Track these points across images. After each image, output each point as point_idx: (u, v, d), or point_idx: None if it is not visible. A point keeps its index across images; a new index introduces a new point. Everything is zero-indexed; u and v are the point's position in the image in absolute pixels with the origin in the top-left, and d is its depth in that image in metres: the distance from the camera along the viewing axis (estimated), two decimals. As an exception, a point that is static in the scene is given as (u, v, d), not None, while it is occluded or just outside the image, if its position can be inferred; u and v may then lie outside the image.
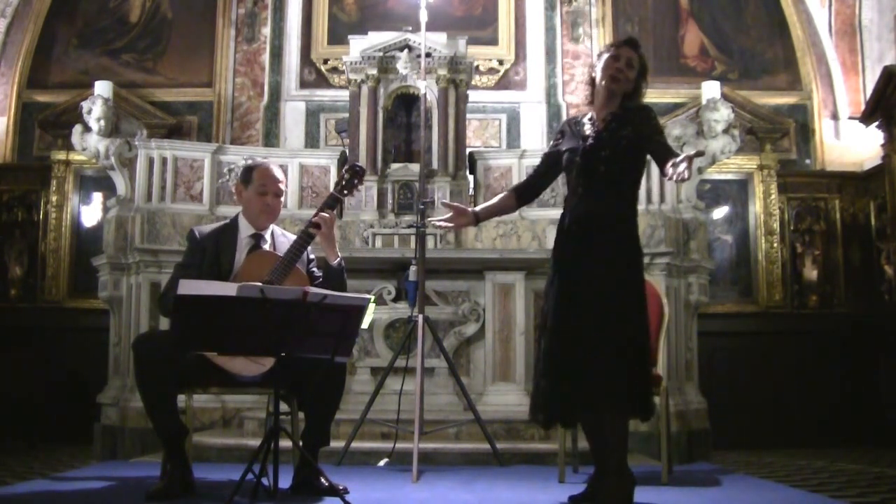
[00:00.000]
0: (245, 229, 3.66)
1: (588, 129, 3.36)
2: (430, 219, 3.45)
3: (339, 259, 3.62)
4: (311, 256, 3.73)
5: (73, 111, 6.80)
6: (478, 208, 3.54)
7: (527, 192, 3.58)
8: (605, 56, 3.35)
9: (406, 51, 6.19)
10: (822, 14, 7.90)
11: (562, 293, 3.21)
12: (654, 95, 6.56)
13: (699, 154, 3.00)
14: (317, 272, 3.73)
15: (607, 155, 3.27)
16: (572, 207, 3.34)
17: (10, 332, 7.28)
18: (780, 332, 7.49)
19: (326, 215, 3.55)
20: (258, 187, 3.64)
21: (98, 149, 6.19)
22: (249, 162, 3.86)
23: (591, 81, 3.42)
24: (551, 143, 3.55)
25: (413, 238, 5.33)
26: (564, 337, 3.16)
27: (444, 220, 3.51)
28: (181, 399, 3.47)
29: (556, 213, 5.93)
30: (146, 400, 3.31)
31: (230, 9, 8.09)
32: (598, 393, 3.08)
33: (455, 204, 3.42)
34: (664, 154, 3.16)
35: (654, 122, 3.34)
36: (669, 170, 2.97)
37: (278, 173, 3.71)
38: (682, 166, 2.90)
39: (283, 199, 3.78)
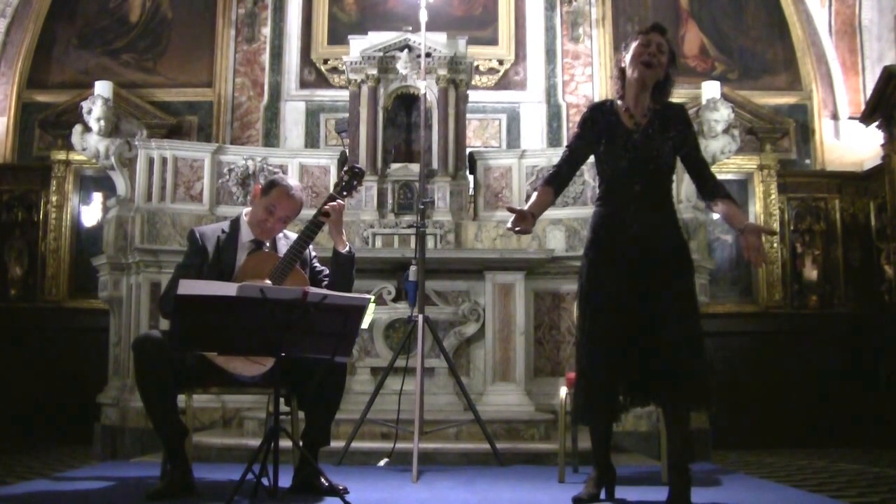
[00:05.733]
0: (246, 233, 3.64)
1: (627, 122, 3.30)
2: (509, 227, 3.31)
3: (347, 247, 3.62)
4: (314, 253, 3.73)
5: (73, 111, 6.81)
6: (528, 209, 3.30)
7: (560, 183, 3.44)
8: (634, 44, 3.28)
9: (406, 51, 6.19)
10: (822, 14, 7.91)
11: (622, 293, 3.19)
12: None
13: (773, 232, 3.12)
14: (319, 266, 3.73)
15: (657, 155, 3.26)
16: (627, 204, 3.25)
17: (10, 332, 7.29)
18: (780, 332, 7.49)
19: (336, 203, 3.55)
20: (269, 204, 3.59)
21: (98, 149, 6.19)
22: (279, 176, 3.78)
23: (621, 73, 3.34)
24: (575, 130, 3.43)
25: (413, 238, 5.33)
26: (632, 336, 3.17)
27: (514, 227, 3.27)
28: (181, 399, 3.46)
29: (557, 213, 6.05)
30: (146, 400, 3.31)
31: (230, 9, 8.10)
32: (678, 389, 3.13)
33: (518, 208, 3.26)
34: (708, 182, 3.31)
35: (692, 133, 3.36)
36: (745, 249, 3.16)
37: (295, 202, 3.61)
38: (758, 249, 3.12)
39: (287, 225, 3.72)
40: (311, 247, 3.64)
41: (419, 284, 4.65)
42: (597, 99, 7.89)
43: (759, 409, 7.21)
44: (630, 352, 3.18)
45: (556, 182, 3.41)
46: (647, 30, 3.33)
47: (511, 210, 3.25)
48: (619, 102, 3.36)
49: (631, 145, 3.26)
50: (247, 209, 3.75)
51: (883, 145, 7.13)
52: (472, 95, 6.96)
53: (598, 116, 3.36)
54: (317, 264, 3.73)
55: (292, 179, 3.80)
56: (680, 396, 3.15)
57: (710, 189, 3.33)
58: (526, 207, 3.31)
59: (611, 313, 3.20)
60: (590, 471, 3.43)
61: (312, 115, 7.98)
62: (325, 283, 3.63)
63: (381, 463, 4.54)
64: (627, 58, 3.30)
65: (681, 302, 3.20)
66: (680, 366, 3.12)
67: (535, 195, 3.40)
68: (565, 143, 7.62)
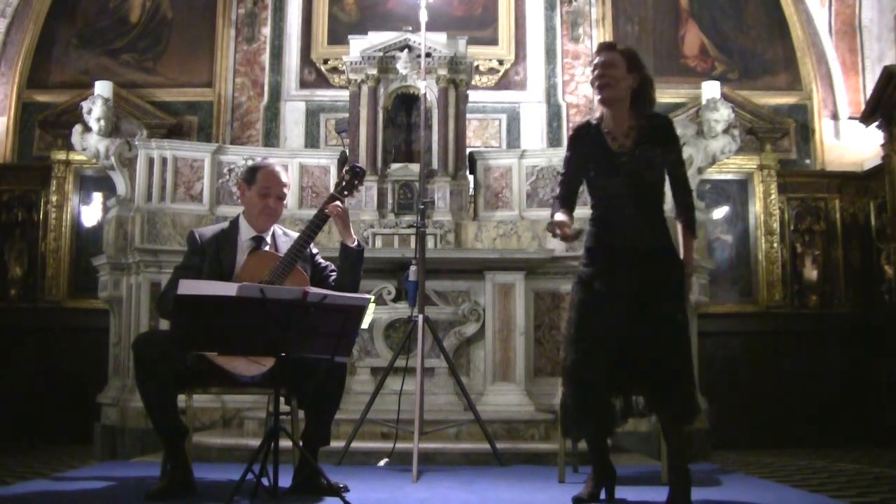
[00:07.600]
0: (246, 231, 3.65)
1: (611, 142, 3.30)
2: (556, 235, 3.34)
3: (356, 240, 3.63)
4: (315, 251, 3.72)
5: (73, 111, 6.81)
6: (563, 218, 3.33)
7: (572, 203, 3.44)
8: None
9: (406, 51, 6.18)
10: (822, 14, 7.90)
11: (612, 311, 3.21)
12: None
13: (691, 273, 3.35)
14: (324, 262, 3.73)
15: (645, 175, 3.26)
16: (622, 227, 3.27)
17: (10, 331, 7.28)
18: (780, 332, 7.49)
19: (337, 206, 3.56)
20: (261, 188, 3.61)
21: (98, 149, 6.19)
22: (254, 162, 3.82)
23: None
24: (566, 154, 3.46)
25: (413, 238, 5.33)
26: (622, 352, 3.19)
27: (563, 237, 3.29)
28: (181, 399, 3.47)
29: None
30: (146, 400, 3.31)
31: (230, 9, 8.09)
32: (665, 403, 3.20)
33: (559, 220, 3.27)
34: (681, 200, 3.35)
35: (678, 147, 3.37)
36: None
37: (283, 175, 3.68)
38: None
39: (286, 201, 3.77)
40: (311, 245, 3.64)
41: (419, 284, 4.65)
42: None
43: (759, 409, 7.20)
44: (620, 364, 3.21)
45: (568, 203, 3.43)
46: (594, 55, 3.39)
47: (554, 224, 3.26)
48: (602, 125, 3.36)
49: (620, 169, 3.26)
50: (242, 209, 3.75)
51: (883, 145, 7.13)
52: (472, 95, 6.96)
53: (583, 137, 3.38)
54: (321, 261, 3.72)
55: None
56: (669, 411, 3.20)
57: (682, 208, 3.37)
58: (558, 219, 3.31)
59: (603, 329, 3.22)
60: (590, 471, 3.43)
61: (312, 115, 7.98)
62: (332, 278, 3.64)
63: (381, 463, 4.54)
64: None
65: (669, 314, 3.22)
66: (668, 378, 3.17)
67: (558, 215, 3.38)
68: (565, 143, 7.63)
